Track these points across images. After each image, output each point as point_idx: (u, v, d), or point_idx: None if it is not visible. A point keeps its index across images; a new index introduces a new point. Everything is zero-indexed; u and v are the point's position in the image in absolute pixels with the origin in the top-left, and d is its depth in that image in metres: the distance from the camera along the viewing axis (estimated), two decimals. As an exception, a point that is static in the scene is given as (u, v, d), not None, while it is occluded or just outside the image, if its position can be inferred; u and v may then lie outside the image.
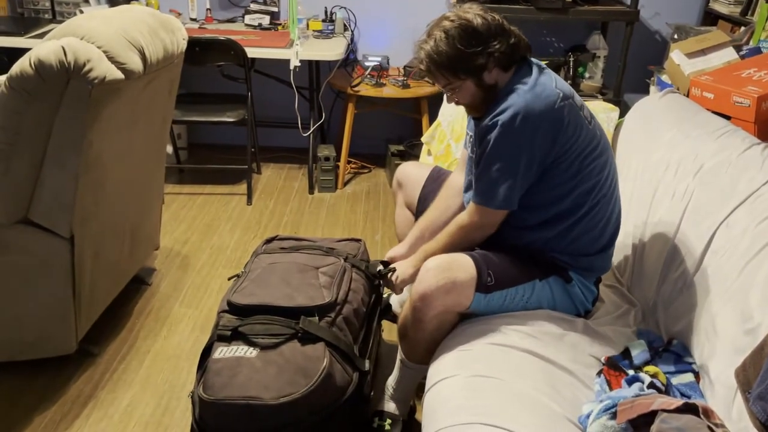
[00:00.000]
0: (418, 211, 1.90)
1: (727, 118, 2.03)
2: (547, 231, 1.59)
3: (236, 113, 3.12)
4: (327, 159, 3.29)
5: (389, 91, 3.25)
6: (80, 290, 1.86)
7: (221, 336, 1.47)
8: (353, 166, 3.58)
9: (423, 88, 3.27)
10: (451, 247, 1.60)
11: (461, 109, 1.69)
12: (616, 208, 1.66)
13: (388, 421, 1.72)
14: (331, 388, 1.42)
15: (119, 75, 1.70)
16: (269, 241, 1.92)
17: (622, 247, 1.93)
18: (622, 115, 2.33)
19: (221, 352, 1.43)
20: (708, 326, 1.45)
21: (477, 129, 1.60)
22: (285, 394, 1.35)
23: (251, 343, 1.45)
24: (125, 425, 1.79)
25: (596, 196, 1.58)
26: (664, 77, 2.76)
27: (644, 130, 2.11)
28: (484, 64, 1.51)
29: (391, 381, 1.76)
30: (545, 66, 1.60)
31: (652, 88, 2.95)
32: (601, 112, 2.29)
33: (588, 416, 1.27)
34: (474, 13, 1.52)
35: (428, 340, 1.57)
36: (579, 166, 1.54)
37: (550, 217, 1.58)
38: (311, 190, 3.34)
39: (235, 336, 1.47)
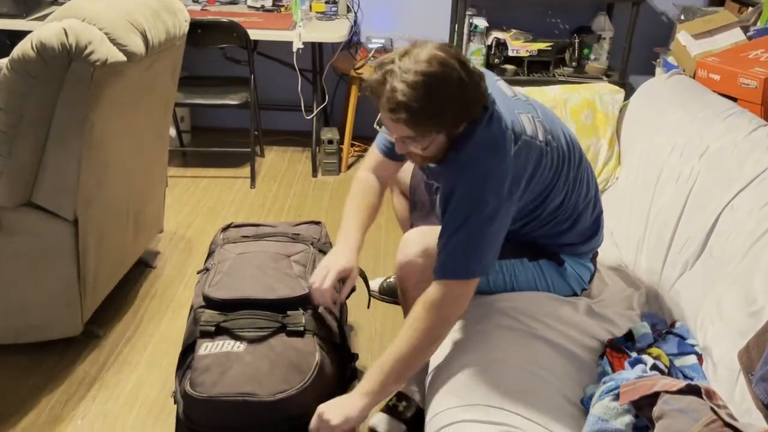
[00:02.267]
0: (411, 201, 1.88)
1: (734, 99, 2.02)
2: (528, 229, 1.56)
3: (239, 96, 3.10)
4: (330, 142, 3.28)
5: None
6: (85, 273, 1.87)
7: (204, 332, 1.43)
8: (357, 149, 3.57)
9: (427, 71, 3.24)
10: (422, 338, 1.35)
11: None
12: (591, 194, 1.60)
13: (404, 403, 1.72)
14: (323, 380, 1.41)
15: (121, 57, 1.69)
16: (225, 229, 1.87)
17: (626, 230, 1.93)
18: (627, 97, 2.31)
19: (206, 348, 1.40)
20: (712, 309, 1.45)
21: (432, 168, 1.50)
22: (280, 390, 1.33)
23: (237, 338, 1.42)
24: (131, 406, 1.81)
25: (570, 199, 1.53)
26: (671, 59, 2.74)
27: (649, 112, 2.09)
28: (466, 118, 1.34)
29: None
30: (492, 90, 1.42)
31: (658, 70, 2.92)
32: (606, 94, 2.27)
33: (591, 398, 1.28)
34: (451, 56, 1.30)
35: None
36: (547, 190, 1.47)
37: (527, 225, 1.55)
38: (315, 174, 3.33)
39: (219, 331, 1.43)
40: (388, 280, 2.31)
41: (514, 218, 1.44)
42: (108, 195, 1.95)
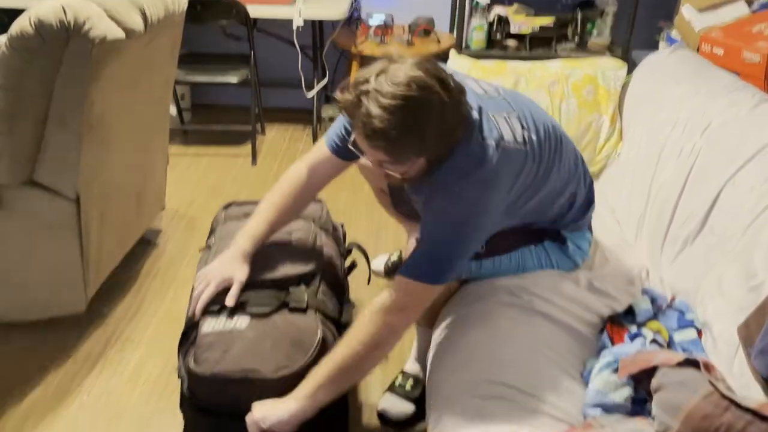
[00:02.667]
0: (390, 194, 1.84)
1: (737, 74, 2.00)
2: (527, 219, 1.55)
3: (239, 73, 3.09)
4: (332, 119, 3.27)
5: (394, 49, 3.20)
6: (88, 251, 1.88)
7: (210, 311, 1.43)
8: (358, 126, 3.56)
9: (428, 46, 3.22)
10: (366, 343, 1.27)
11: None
12: (579, 171, 1.57)
13: (410, 381, 1.74)
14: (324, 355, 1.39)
15: (120, 34, 1.68)
16: (227, 207, 1.86)
17: (627, 206, 1.93)
18: (630, 72, 2.29)
19: (210, 325, 1.40)
20: (712, 284, 1.46)
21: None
22: (283, 367, 1.33)
23: (240, 315, 1.41)
24: (134, 383, 1.83)
25: (557, 184, 1.49)
26: (674, 33, 2.71)
27: (652, 88, 2.08)
28: (448, 142, 1.27)
29: (414, 343, 1.78)
30: (470, 102, 1.35)
31: (662, 45, 2.90)
32: (609, 69, 2.26)
33: (591, 372, 1.29)
34: (431, 76, 1.20)
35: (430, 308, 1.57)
36: (532, 187, 1.43)
37: (524, 216, 1.53)
38: (316, 151, 3.32)
39: (222, 309, 1.43)
40: (392, 259, 2.30)
41: (507, 217, 1.43)
42: (109, 173, 1.95)
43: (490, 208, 1.31)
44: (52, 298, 1.90)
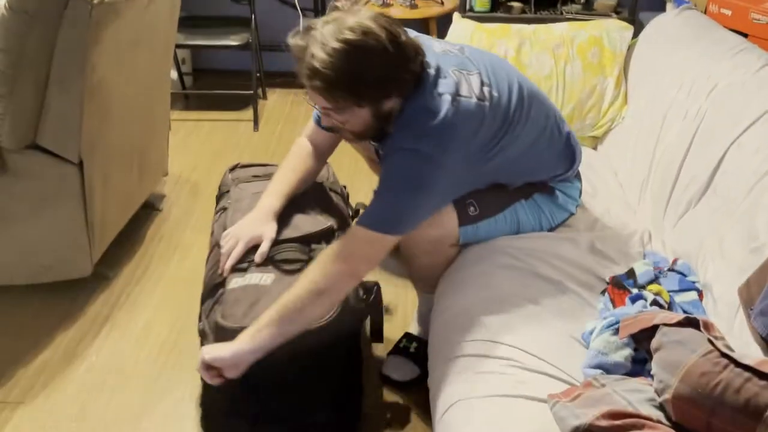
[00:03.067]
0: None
1: (745, 35, 1.98)
2: (501, 178, 1.55)
3: (240, 37, 3.06)
4: (334, 83, 3.24)
5: (397, 11, 3.16)
6: (92, 215, 1.89)
7: (238, 268, 1.45)
8: (360, 90, 3.53)
9: (431, 9, 3.18)
10: (315, 287, 1.27)
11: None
12: (549, 126, 1.56)
13: (414, 344, 1.76)
14: (345, 313, 1.43)
15: (119, -5, 1.67)
16: (233, 169, 1.88)
17: (631, 169, 1.92)
18: (636, 34, 2.26)
19: (236, 282, 1.43)
20: (714, 246, 1.46)
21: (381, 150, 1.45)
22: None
23: (265, 271, 1.44)
24: (142, 344, 1.86)
25: (532, 146, 1.50)
26: (682, -6, 2.67)
27: (658, 50, 2.05)
28: (390, 92, 1.29)
29: (417, 307, 1.80)
30: (428, 56, 1.36)
31: (669, 6, 2.86)
32: (614, 31, 2.23)
33: (591, 333, 1.30)
34: (380, 27, 1.24)
35: (428, 273, 1.58)
36: (494, 141, 1.42)
37: (496, 180, 1.54)
38: (318, 116, 3.31)
39: (250, 266, 1.46)
40: None
41: (474, 173, 1.43)
42: (112, 137, 1.95)
43: (446, 163, 1.31)
44: (57, 261, 1.92)
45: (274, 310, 1.27)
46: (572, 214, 1.66)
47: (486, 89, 1.38)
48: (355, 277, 1.33)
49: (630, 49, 2.22)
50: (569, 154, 1.62)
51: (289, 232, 1.52)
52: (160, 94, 2.31)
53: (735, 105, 1.60)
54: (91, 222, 1.89)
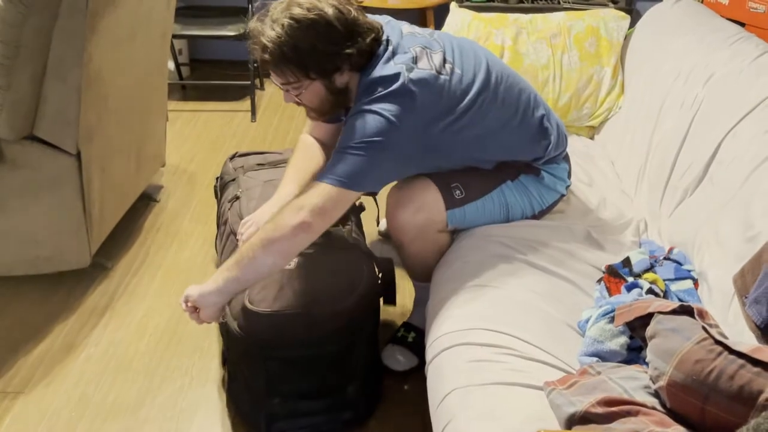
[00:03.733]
0: None
1: (742, 24, 1.98)
2: (474, 163, 1.58)
3: (237, 27, 3.05)
4: (331, 74, 3.24)
5: (394, 1, 3.15)
6: (90, 205, 1.89)
7: None
8: (358, 81, 3.53)
9: (429, -2, 3.17)
10: (270, 241, 1.33)
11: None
12: (520, 110, 1.57)
13: (412, 333, 1.77)
14: (370, 290, 1.51)
15: (115, -15, 1.66)
16: (232, 158, 1.92)
17: (628, 158, 1.93)
18: (634, 23, 2.26)
19: None
20: (709, 235, 1.47)
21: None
22: (338, 300, 1.43)
23: None
24: (141, 334, 1.87)
25: (502, 127, 1.52)
26: (679, -17, 2.66)
27: (655, 39, 2.05)
28: (338, 66, 1.37)
29: (414, 297, 1.81)
30: (392, 35, 1.44)
31: (666, -5, 2.85)
32: (611, 20, 2.23)
33: (587, 321, 1.31)
34: (329, 4, 1.34)
35: (420, 261, 1.60)
36: (456, 114, 1.45)
37: (473, 162, 1.57)
38: (316, 106, 3.30)
39: None
40: None
41: (441, 147, 1.46)
42: (109, 128, 1.95)
43: (403, 125, 1.36)
44: (55, 252, 1.92)
45: (233, 257, 1.37)
46: (562, 195, 1.67)
47: (448, 66, 1.44)
48: (311, 231, 1.36)
49: (627, 38, 2.22)
50: (543, 137, 1.60)
51: None
52: (157, 85, 2.31)
53: (732, 94, 1.60)
54: (89, 213, 1.89)
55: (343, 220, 1.59)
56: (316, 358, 1.47)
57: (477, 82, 1.47)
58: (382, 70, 1.38)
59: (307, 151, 1.67)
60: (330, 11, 1.33)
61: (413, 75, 1.37)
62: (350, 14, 1.35)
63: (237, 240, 1.57)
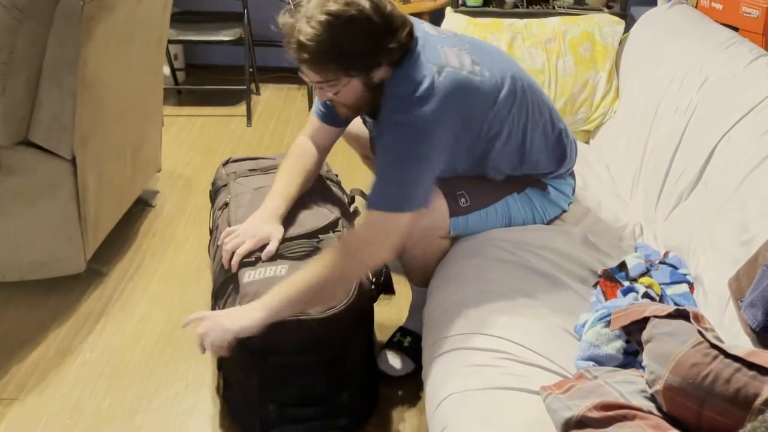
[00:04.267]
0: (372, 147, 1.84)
1: (735, 29, 1.99)
2: (490, 173, 1.57)
3: (233, 32, 3.05)
4: (327, 79, 3.24)
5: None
6: (85, 211, 1.89)
7: (246, 262, 1.48)
8: (353, 85, 3.53)
9: (424, 3, 3.18)
10: (340, 270, 1.33)
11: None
12: (545, 118, 1.57)
13: (408, 338, 1.76)
14: (362, 297, 1.49)
15: (111, -10, 1.66)
16: (225, 164, 1.91)
17: (623, 163, 1.94)
18: (628, 28, 2.27)
19: (250, 275, 1.46)
20: (704, 239, 1.47)
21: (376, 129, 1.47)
22: (329, 308, 1.41)
23: (278, 263, 1.48)
24: (137, 339, 1.86)
25: (518, 128, 1.50)
26: (673, -12, 2.68)
27: (650, 44, 2.06)
28: (379, 63, 1.31)
29: (411, 302, 1.81)
30: (418, 33, 1.40)
31: (660, 0, 2.86)
32: (606, 25, 2.24)
33: (583, 325, 1.31)
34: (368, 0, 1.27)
35: (420, 265, 1.59)
36: (485, 121, 1.44)
37: (488, 158, 1.54)
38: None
39: (258, 260, 1.49)
40: None
41: (472, 156, 1.44)
42: (105, 133, 1.94)
43: (438, 132, 1.33)
44: (51, 258, 1.91)
45: (300, 290, 1.32)
46: (564, 210, 1.67)
47: (477, 68, 1.41)
48: (376, 260, 1.37)
49: (622, 43, 2.23)
50: (560, 152, 1.61)
51: (295, 230, 1.55)
52: (153, 90, 2.31)
53: (726, 98, 1.61)
54: (84, 218, 1.89)
55: (333, 227, 1.58)
56: (309, 365, 1.46)
57: (505, 87, 1.45)
58: (414, 69, 1.33)
59: (300, 160, 1.62)
60: (367, 5, 1.25)
61: (445, 75, 1.34)
62: (386, 8, 1.28)
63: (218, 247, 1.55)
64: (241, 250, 1.48)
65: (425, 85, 1.32)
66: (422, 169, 1.34)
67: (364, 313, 1.54)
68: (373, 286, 1.59)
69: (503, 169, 1.56)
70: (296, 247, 1.51)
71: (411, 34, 1.34)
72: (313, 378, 1.48)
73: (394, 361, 1.73)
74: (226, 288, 1.52)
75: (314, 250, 1.51)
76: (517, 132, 1.50)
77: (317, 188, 1.72)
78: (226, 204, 1.71)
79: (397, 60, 1.33)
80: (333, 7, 1.23)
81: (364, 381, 1.58)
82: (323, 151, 1.66)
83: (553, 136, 1.59)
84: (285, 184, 1.58)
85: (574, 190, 1.70)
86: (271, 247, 1.48)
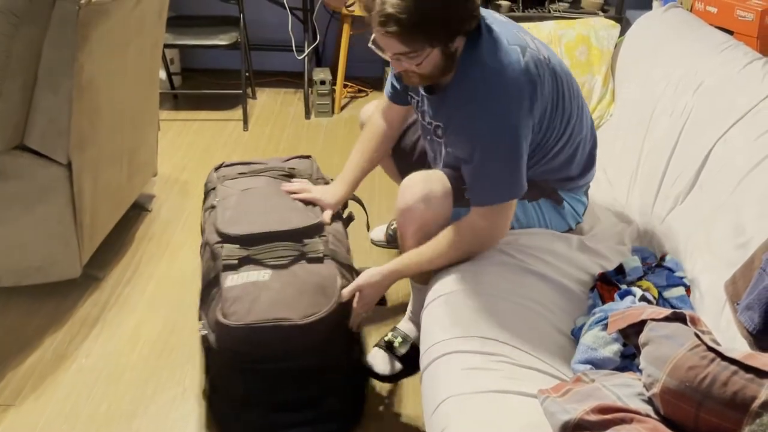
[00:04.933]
0: (393, 150, 1.86)
1: (730, 32, 2.00)
2: (536, 165, 1.55)
3: (229, 36, 3.05)
4: (323, 83, 3.24)
5: None
6: (81, 216, 1.88)
7: (228, 266, 1.48)
8: (350, 89, 3.54)
9: (420, 8, 3.18)
10: (456, 254, 1.45)
11: None
12: (588, 124, 1.59)
13: (399, 339, 1.76)
14: (345, 303, 1.48)
15: (107, -5, 1.66)
16: (218, 168, 1.90)
17: (619, 166, 1.94)
18: (624, 32, 2.28)
19: (233, 279, 1.45)
20: (701, 241, 1.48)
21: (436, 105, 1.48)
22: (311, 314, 1.40)
23: (261, 268, 1.47)
24: (133, 345, 1.85)
25: (572, 130, 1.52)
26: (668, -8, 2.69)
27: (645, 47, 2.07)
28: (458, 30, 1.32)
29: (409, 303, 1.81)
30: (488, 14, 1.43)
31: (655, 4, 2.87)
32: (602, 29, 2.24)
33: (581, 328, 1.31)
34: None
35: None
36: (550, 113, 1.45)
37: (535, 160, 1.54)
38: (308, 115, 3.30)
39: (242, 263, 1.49)
40: (393, 226, 2.28)
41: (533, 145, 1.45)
42: (100, 138, 1.94)
43: (523, 103, 1.35)
44: (46, 263, 1.90)
45: (422, 261, 1.47)
46: (571, 228, 1.65)
47: (547, 53, 1.44)
48: (500, 237, 1.47)
49: (617, 47, 2.24)
50: (589, 162, 1.62)
51: (278, 226, 1.55)
52: (149, 94, 2.30)
53: (721, 101, 1.61)
54: (80, 223, 1.88)
55: (318, 230, 1.58)
56: (293, 371, 1.45)
57: (567, 82, 1.47)
58: (495, 45, 1.34)
59: (365, 144, 1.75)
60: None
61: (528, 58, 1.35)
62: None
63: (211, 250, 1.55)
64: (296, 189, 1.69)
65: (514, 64, 1.33)
66: (520, 156, 1.38)
67: (348, 319, 1.52)
68: None
69: (542, 171, 1.55)
70: (280, 252, 1.50)
71: (477, 3, 1.35)
72: (298, 384, 1.47)
73: (383, 360, 1.74)
74: (209, 291, 1.51)
75: (299, 257, 1.50)
76: (567, 133, 1.51)
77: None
78: (213, 207, 1.71)
79: (472, 30, 1.34)
80: None
81: (351, 386, 1.57)
82: (396, 128, 1.75)
83: (590, 144, 1.61)
84: (350, 170, 1.74)
85: (585, 209, 1.69)
86: (326, 216, 1.62)
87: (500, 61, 1.33)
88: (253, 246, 1.52)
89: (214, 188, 1.80)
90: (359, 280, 1.49)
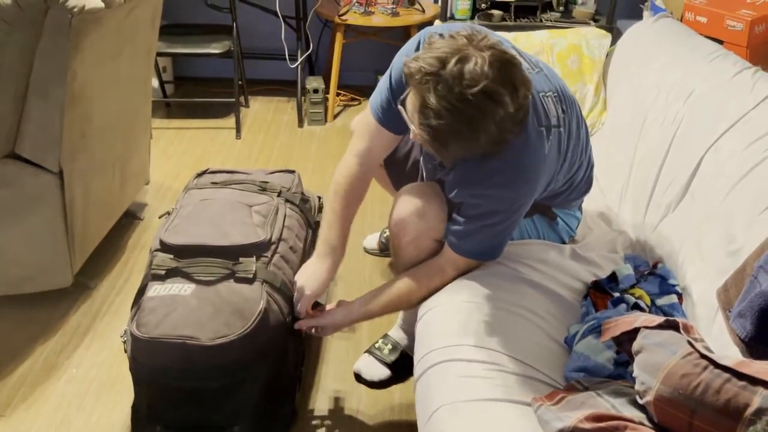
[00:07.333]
0: (386, 163, 1.82)
1: (720, 42, 2.02)
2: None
3: (222, 44, 3.05)
4: (316, 91, 3.25)
5: (378, 19, 3.17)
6: (73, 225, 1.87)
7: (155, 275, 1.43)
8: (343, 98, 3.54)
9: (413, 16, 3.20)
10: (422, 290, 1.45)
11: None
12: (587, 154, 1.59)
13: (388, 346, 1.76)
14: (265, 329, 1.40)
15: (99, 3, 1.66)
16: (200, 174, 1.86)
17: (611, 175, 1.95)
18: (615, 41, 2.30)
19: (155, 290, 1.40)
20: (693, 249, 1.49)
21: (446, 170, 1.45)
22: (220, 335, 1.33)
23: (185, 282, 1.42)
24: (124, 356, 1.83)
25: (574, 172, 1.53)
26: (659, 2, 2.71)
27: (636, 57, 2.09)
28: (496, 145, 1.27)
29: (401, 312, 1.80)
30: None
31: (646, 14, 2.90)
32: (593, 38, 2.26)
33: (574, 336, 1.31)
34: (504, 84, 1.16)
35: (412, 266, 1.58)
36: (559, 166, 1.46)
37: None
38: (300, 124, 3.31)
39: (170, 275, 1.43)
40: (385, 235, 2.27)
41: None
42: (92, 146, 1.93)
43: (536, 188, 1.40)
44: (37, 272, 1.89)
45: (388, 300, 1.49)
46: (563, 242, 1.65)
47: (560, 114, 1.41)
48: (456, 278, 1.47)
49: (608, 56, 2.25)
50: (587, 185, 1.63)
51: (216, 241, 1.49)
52: (142, 102, 2.30)
53: (712, 110, 1.63)
54: (71, 232, 1.87)
55: (260, 250, 1.51)
56: (196, 392, 1.38)
57: (575, 122, 1.47)
58: (524, 134, 1.29)
59: (344, 201, 1.55)
60: (506, 95, 1.15)
61: (552, 138, 1.35)
62: (520, 88, 1.18)
63: (150, 257, 1.51)
64: (301, 307, 1.54)
65: (537, 151, 1.32)
66: (514, 227, 1.43)
67: (267, 344, 1.41)
68: (289, 318, 1.49)
69: (538, 198, 1.53)
70: (212, 268, 1.44)
71: (529, 105, 1.27)
72: (200, 406, 1.40)
73: (372, 366, 1.73)
74: (138, 299, 1.47)
75: (228, 275, 1.43)
76: (572, 163, 1.51)
77: (266, 208, 1.65)
78: (169, 213, 1.67)
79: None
80: (474, 98, 1.12)
81: (260, 418, 1.47)
82: (377, 159, 1.56)
83: (589, 165, 1.61)
84: (336, 228, 1.54)
85: (579, 224, 1.70)
86: (300, 308, 1.53)
87: (528, 156, 1.32)
88: (186, 258, 1.46)
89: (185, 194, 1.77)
90: (321, 320, 1.52)
